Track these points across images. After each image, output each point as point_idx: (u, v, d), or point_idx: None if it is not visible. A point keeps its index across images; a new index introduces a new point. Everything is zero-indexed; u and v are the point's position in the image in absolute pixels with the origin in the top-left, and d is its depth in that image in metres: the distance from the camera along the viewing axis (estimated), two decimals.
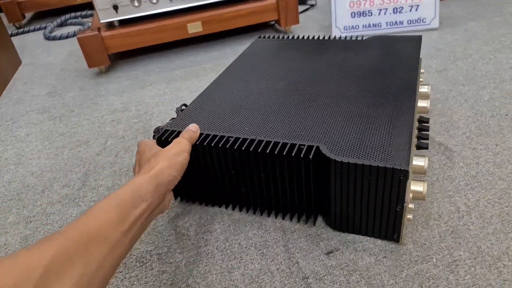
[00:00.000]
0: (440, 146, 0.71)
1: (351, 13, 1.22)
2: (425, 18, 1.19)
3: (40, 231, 0.64)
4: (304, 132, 0.55)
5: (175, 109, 0.76)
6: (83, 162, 0.81)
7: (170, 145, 0.53)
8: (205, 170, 0.60)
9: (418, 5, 1.18)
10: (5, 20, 1.90)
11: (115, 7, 1.14)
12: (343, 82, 0.68)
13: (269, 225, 0.59)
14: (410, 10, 1.19)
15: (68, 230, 0.37)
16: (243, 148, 0.54)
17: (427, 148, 0.63)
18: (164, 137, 0.59)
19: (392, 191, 0.49)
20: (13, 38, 1.68)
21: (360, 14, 1.21)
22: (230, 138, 0.57)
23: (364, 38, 0.84)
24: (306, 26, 1.42)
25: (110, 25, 1.22)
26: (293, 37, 0.90)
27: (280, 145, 0.53)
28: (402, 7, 1.19)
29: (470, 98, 0.84)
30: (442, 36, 1.17)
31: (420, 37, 0.81)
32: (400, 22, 1.21)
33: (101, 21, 1.16)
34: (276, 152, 0.53)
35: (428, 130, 0.67)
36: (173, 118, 0.75)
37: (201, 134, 0.58)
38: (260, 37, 0.93)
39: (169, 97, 1.04)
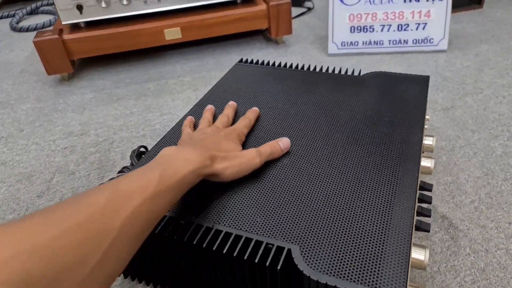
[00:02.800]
0: (443, 220, 0.59)
1: (351, 28, 1.08)
2: (432, 39, 1.06)
3: None
4: (274, 222, 0.43)
5: (130, 153, 0.63)
6: (19, 207, 0.68)
7: (242, 153, 0.47)
8: (150, 255, 0.47)
9: (425, 23, 1.05)
10: None
11: (79, 7, 0.99)
12: (332, 140, 0.55)
13: None
14: (417, 28, 1.05)
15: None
16: (194, 243, 0.42)
17: (428, 231, 0.51)
18: None
19: None
20: None
21: (360, 29, 1.07)
22: (181, 223, 0.44)
23: (361, 74, 0.71)
24: (300, 35, 1.28)
25: (75, 27, 1.07)
26: (279, 64, 0.76)
27: (242, 241, 0.41)
28: (408, 24, 1.05)
29: (480, 151, 0.72)
30: (451, 61, 1.03)
31: (427, 79, 0.68)
32: (404, 41, 1.07)
33: (63, 23, 1.01)
34: (235, 255, 0.40)
35: (430, 203, 0.55)
36: (125, 168, 0.62)
37: None
38: (241, 61, 0.79)
39: (136, 119, 0.90)
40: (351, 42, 1.09)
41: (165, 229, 0.43)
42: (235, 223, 0.43)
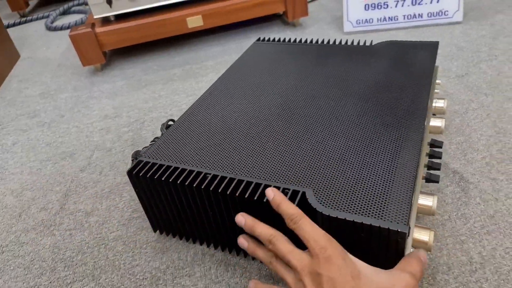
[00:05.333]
0: (454, 174, 0.63)
1: (365, 6, 1.10)
2: (447, 11, 1.07)
3: (10, 265, 0.60)
4: (291, 171, 0.48)
5: (161, 126, 0.70)
6: (65, 180, 0.76)
7: (390, 275, 0.39)
8: (181, 207, 0.53)
9: None
10: (8, 9, 1.86)
11: (109, 1, 1.07)
12: (344, 102, 0.59)
13: (255, 272, 0.53)
14: (431, 2, 1.07)
15: None
16: (219, 190, 0.47)
17: (437, 182, 0.55)
18: (135, 171, 0.53)
19: (389, 252, 0.42)
20: (14, 29, 1.64)
21: (374, 7, 1.10)
22: (207, 175, 0.50)
23: (372, 44, 0.75)
24: (317, 17, 1.31)
25: (105, 20, 1.15)
26: (294, 40, 0.81)
27: (261, 188, 0.47)
28: None
29: (493, 113, 0.74)
30: (466, 32, 1.05)
31: (436, 44, 0.71)
32: (419, 15, 1.09)
33: (95, 17, 1.09)
34: (255, 198, 0.46)
35: (440, 157, 0.58)
36: (156, 138, 0.68)
37: (176, 168, 0.52)
38: (259, 39, 0.84)
39: (164, 101, 0.97)
40: (366, 19, 1.12)
41: (192, 182, 0.49)
42: (254, 173, 0.48)
